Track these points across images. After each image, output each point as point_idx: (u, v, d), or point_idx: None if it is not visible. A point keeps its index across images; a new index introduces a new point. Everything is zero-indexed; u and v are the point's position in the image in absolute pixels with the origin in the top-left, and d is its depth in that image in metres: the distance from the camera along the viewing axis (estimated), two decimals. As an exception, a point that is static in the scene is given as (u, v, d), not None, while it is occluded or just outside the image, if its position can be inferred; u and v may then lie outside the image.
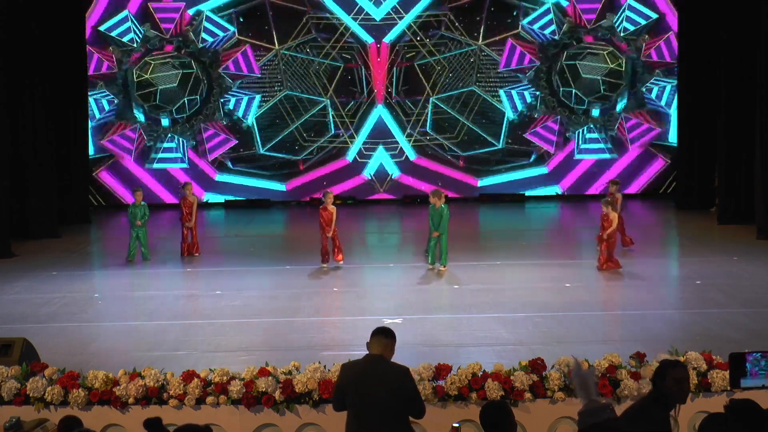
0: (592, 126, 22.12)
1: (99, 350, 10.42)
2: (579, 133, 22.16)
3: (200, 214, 16.84)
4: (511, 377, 7.91)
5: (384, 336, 6.39)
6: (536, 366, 8.03)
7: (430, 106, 22.11)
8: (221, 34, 21.71)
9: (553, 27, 21.84)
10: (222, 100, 21.89)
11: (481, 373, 7.96)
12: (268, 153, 22.16)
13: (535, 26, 21.87)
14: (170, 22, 21.66)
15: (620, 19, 21.75)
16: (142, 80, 21.73)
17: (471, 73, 22.04)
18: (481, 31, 21.91)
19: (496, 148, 22.24)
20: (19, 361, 8.43)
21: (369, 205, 22.15)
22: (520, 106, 22.12)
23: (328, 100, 22.07)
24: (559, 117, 22.12)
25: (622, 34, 21.78)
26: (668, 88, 21.92)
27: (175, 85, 21.72)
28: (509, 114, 22.08)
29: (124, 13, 21.55)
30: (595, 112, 22.02)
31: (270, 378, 7.96)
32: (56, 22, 19.28)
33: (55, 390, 7.95)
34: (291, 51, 21.87)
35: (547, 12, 21.83)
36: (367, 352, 6.36)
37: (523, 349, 9.85)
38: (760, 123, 16.80)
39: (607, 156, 22.21)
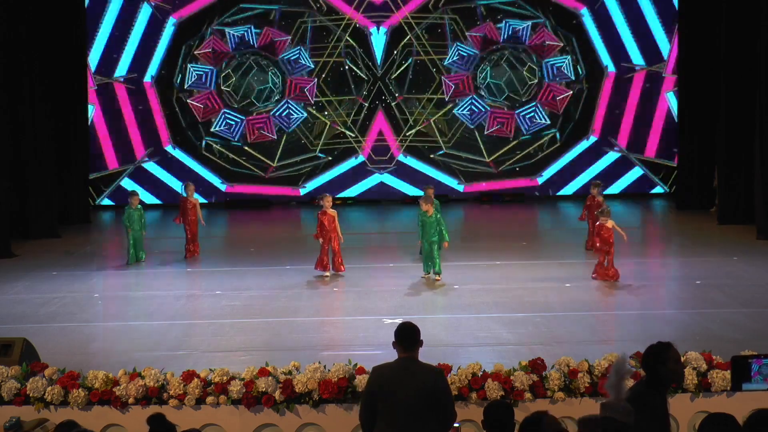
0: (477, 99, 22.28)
1: (99, 350, 10.43)
2: (473, 98, 22.25)
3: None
4: (511, 377, 7.92)
5: (401, 337, 6.22)
6: (536, 366, 8.04)
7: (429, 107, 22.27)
8: (244, 31, 21.99)
9: (520, 27, 22.10)
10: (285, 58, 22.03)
11: (481, 373, 7.97)
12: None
13: (511, 24, 22.11)
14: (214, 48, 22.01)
15: (560, 63, 22.07)
16: (233, 88, 22.04)
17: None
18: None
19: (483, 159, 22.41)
20: (19, 361, 8.44)
21: (369, 205, 22.16)
22: (455, 58, 22.18)
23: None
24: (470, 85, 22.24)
25: (548, 66, 22.12)
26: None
27: (257, 69, 22.05)
28: (447, 60, 22.11)
29: (188, 67, 21.92)
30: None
31: (270, 378, 7.96)
32: (56, 22, 19.29)
33: (55, 390, 7.95)
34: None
35: (528, 25, 22.03)
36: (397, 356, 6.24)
37: (523, 349, 9.85)
38: (760, 123, 16.79)
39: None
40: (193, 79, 22.13)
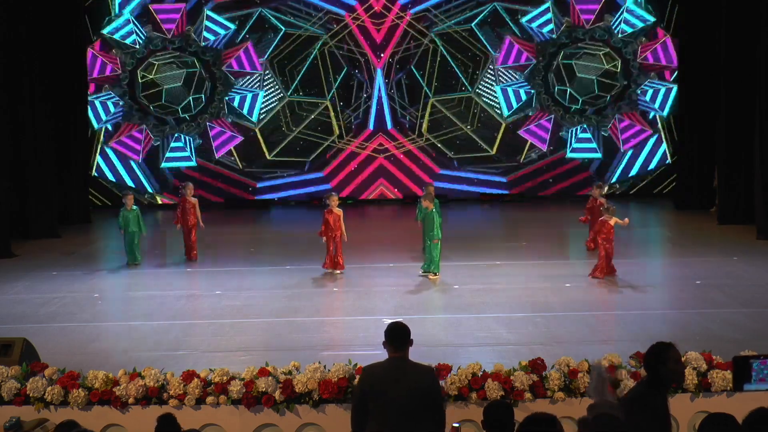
0: (585, 126, 22.09)
1: (99, 350, 10.42)
2: (571, 132, 22.14)
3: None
4: (511, 377, 7.92)
5: (391, 337, 6.20)
6: (536, 366, 8.03)
7: (429, 108, 22.18)
8: (222, 32, 21.74)
9: (551, 26, 21.81)
10: (227, 98, 21.81)
11: (481, 373, 7.97)
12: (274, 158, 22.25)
13: (534, 24, 21.85)
14: (172, 22, 21.68)
15: (618, 20, 21.74)
16: (147, 81, 21.71)
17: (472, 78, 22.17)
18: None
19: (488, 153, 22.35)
20: (19, 361, 8.44)
21: (369, 205, 22.16)
22: (515, 104, 22.02)
23: (329, 102, 22.14)
24: (553, 116, 22.05)
25: (619, 36, 21.73)
26: (662, 91, 21.91)
27: (180, 84, 21.68)
28: (504, 111, 21.98)
29: (126, 15, 21.56)
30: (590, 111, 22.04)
31: (270, 378, 7.96)
32: (56, 22, 19.30)
33: (55, 390, 7.95)
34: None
35: (546, 11, 21.80)
36: (388, 356, 6.22)
37: (523, 349, 9.85)
38: (760, 123, 16.79)
39: (598, 156, 22.19)
40: (122, 34, 21.48)
